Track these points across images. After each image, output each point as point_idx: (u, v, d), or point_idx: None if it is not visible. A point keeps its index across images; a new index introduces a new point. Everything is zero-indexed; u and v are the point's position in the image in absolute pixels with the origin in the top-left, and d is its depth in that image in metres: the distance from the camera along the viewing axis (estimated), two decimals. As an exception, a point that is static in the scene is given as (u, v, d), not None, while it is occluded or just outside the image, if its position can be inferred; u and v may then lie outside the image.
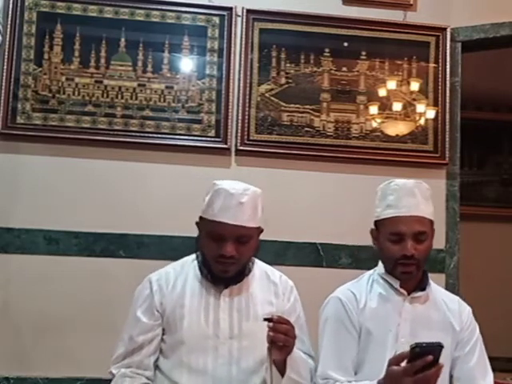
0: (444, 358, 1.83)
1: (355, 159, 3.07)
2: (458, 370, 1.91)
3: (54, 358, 2.81)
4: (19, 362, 2.80)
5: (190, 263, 2.01)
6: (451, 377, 1.92)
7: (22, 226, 2.85)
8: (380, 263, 2.01)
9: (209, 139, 2.99)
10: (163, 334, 1.92)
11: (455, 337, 1.92)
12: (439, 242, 3.11)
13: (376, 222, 1.98)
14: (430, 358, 1.59)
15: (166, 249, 2.85)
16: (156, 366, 1.92)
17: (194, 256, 2.02)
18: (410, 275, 1.90)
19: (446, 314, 1.95)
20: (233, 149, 3.01)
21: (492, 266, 4.85)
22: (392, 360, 1.67)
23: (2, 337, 2.79)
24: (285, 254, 2.99)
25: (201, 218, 1.94)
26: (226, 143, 2.99)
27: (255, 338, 1.78)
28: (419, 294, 1.94)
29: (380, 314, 1.92)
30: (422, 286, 1.95)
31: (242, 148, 3.01)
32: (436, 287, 2.03)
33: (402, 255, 1.87)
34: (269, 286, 2.00)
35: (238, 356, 1.87)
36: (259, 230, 1.97)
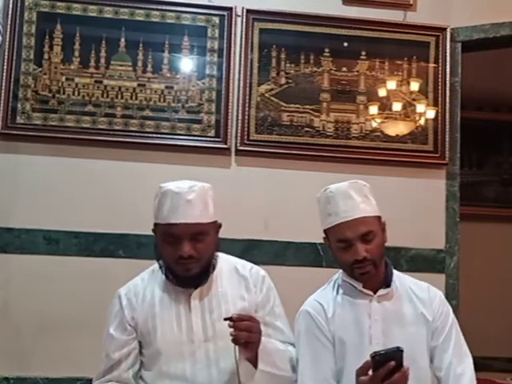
0: (422, 349, 1.85)
1: (355, 159, 3.07)
2: (438, 359, 1.90)
3: (54, 358, 2.81)
4: (19, 362, 2.81)
5: (157, 272, 1.98)
6: (432, 366, 1.91)
7: (22, 226, 2.85)
8: (341, 269, 2.00)
9: (209, 139, 2.99)
10: (141, 347, 1.92)
11: (429, 327, 1.90)
12: (439, 242, 3.12)
13: (324, 231, 1.97)
14: (393, 363, 1.61)
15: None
16: (140, 378, 1.92)
17: (158, 264, 1.99)
18: (369, 275, 1.88)
19: (416, 305, 1.92)
20: (233, 149, 3.01)
21: (492, 266, 4.85)
22: (358, 371, 1.68)
23: (2, 337, 2.79)
24: (285, 254, 2.99)
25: (154, 224, 1.91)
26: (225, 143, 2.99)
27: (230, 338, 1.75)
28: (385, 291, 1.91)
29: (350, 320, 1.90)
30: (386, 282, 1.93)
31: (241, 148, 3.01)
32: (402, 277, 1.99)
33: (354, 260, 1.86)
34: (239, 281, 1.97)
35: (216, 358, 1.86)
36: (216, 225, 1.93)
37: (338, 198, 1.91)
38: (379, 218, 1.93)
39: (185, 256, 1.82)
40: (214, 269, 1.93)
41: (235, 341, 1.73)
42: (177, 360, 1.86)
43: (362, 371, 1.66)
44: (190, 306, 1.90)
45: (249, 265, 2.03)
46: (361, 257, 1.84)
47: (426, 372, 1.88)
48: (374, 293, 1.91)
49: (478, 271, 4.54)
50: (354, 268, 1.87)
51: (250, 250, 2.92)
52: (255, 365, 1.79)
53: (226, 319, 1.73)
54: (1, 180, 2.87)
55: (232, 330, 1.72)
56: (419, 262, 3.04)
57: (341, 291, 1.96)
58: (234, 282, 1.97)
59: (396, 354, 1.62)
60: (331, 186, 1.96)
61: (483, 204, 5.10)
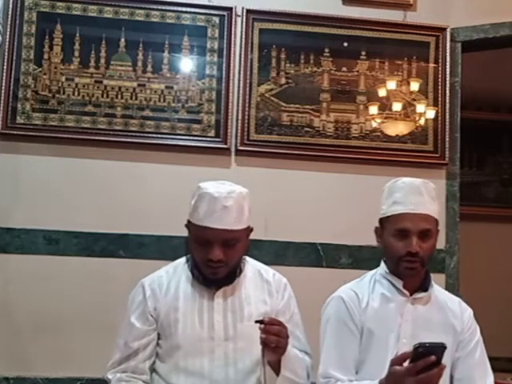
0: (445, 359, 1.83)
1: (355, 159, 3.07)
2: (459, 371, 1.91)
3: (54, 358, 2.81)
4: (19, 362, 2.81)
5: (182, 266, 1.99)
6: (452, 377, 1.92)
7: (21, 226, 2.85)
8: (382, 263, 2.01)
9: (209, 139, 2.99)
10: (159, 339, 1.92)
11: (456, 338, 1.92)
12: (439, 242, 3.06)
13: (381, 220, 1.98)
14: (433, 358, 1.59)
15: (166, 249, 2.85)
16: (153, 370, 1.92)
17: (185, 259, 2.01)
18: (413, 271, 1.90)
19: (447, 315, 1.95)
20: (233, 149, 3.02)
21: (492, 266, 4.85)
22: (394, 360, 1.67)
23: (2, 337, 2.79)
24: (285, 254, 3.00)
25: (188, 221, 1.93)
26: (225, 143, 2.99)
27: (250, 339, 1.77)
28: (421, 294, 1.94)
29: (382, 315, 1.92)
30: (424, 286, 1.95)
31: (241, 148, 3.01)
32: (437, 288, 2.03)
33: (407, 252, 1.87)
34: (262, 285, 1.99)
35: (234, 357, 1.87)
36: (248, 230, 1.95)
37: (409, 190, 1.94)
38: (437, 223, 1.97)
39: (214, 260, 1.83)
40: (240, 272, 1.95)
41: (264, 344, 1.73)
42: (195, 356, 1.86)
43: (398, 361, 1.65)
44: (213, 303, 1.91)
45: (271, 270, 2.06)
46: (415, 250, 1.86)
47: (446, 380, 1.88)
48: (410, 295, 1.92)
49: (477, 271, 4.54)
50: (402, 261, 1.88)
51: (250, 250, 2.90)
52: (276, 369, 1.81)
53: (257, 321, 1.73)
54: (1, 180, 2.87)
55: (256, 332, 1.72)
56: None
57: (377, 286, 1.97)
58: (258, 285, 1.98)
59: (439, 349, 1.60)
60: (404, 178, 1.99)
61: (483, 204, 5.10)
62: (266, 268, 2.06)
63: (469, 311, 2.00)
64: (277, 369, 1.81)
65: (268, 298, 1.97)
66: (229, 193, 1.87)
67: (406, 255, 1.87)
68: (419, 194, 1.93)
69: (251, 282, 1.98)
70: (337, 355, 1.89)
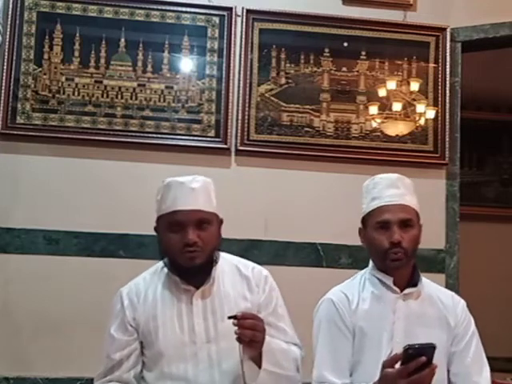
0: (440, 354, 1.84)
1: (355, 159, 3.07)
2: (455, 365, 1.91)
3: (54, 358, 2.81)
4: (19, 362, 2.81)
5: (159, 271, 1.98)
6: (448, 372, 1.92)
7: (21, 226, 2.85)
8: (371, 262, 2.01)
9: (209, 139, 3.00)
10: (142, 348, 1.91)
11: (451, 332, 1.92)
12: (439, 241, 3.12)
13: (363, 219, 1.99)
14: (424, 359, 1.59)
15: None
16: (142, 378, 1.91)
17: (162, 264, 1.99)
18: (399, 263, 1.89)
19: (440, 309, 1.94)
20: (233, 149, 3.02)
21: (492, 266, 4.85)
22: (386, 362, 1.67)
23: (2, 337, 2.79)
24: (285, 254, 2.99)
25: (157, 219, 1.93)
26: (225, 143, 2.99)
27: (233, 338, 1.73)
28: (412, 290, 1.93)
29: (373, 314, 1.91)
30: (413, 281, 1.94)
31: (241, 148, 3.01)
32: (428, 282, 2.01)
33: (390, 243, 1.87)
34: (241, 281, 1.96)
35: (218, 359, 1.85)
36: (218, 220, 1.94)
37: (384, 184, 1.96)
38: (418, 215, 1.96)
39: (190, 243, 1.83)
40: (216, 263, 1.93)
41: (239, 339, 1.72)
42: (179, 361, 1.85)
43: (389, 363, 1.66)
44: (192, 306, 1.89)
45: (251, 264, 2.02)
46: (396, 240, 1.86)
47: (442, 377, 1.88)
48: (401, 291, 1.92)
49: (477, 271, 4.54)
50: (387, 253, 1.88)
51: (250, 249, 2.92)
52: (259, 364, 1.78)
53: (230, 317, 1.72)
54: (1, 180, 2.87)
55: (236, 328, 1.71)
56: (419, 262, 2.98)
57: (367, 285, 1.97)
58: (237, 281, 1.96)
59: (429, 350, 1.61)
60: (379, 175, 2.01)
61: (483, 204, 5.10)
62: (244, 262, 2.03)
63: (462, 304, 1.98)
64: (259, 363, 1.78)
65: (248, 294, 1.93)
66: (193, 178, 1.92)
67: (389, 247, 1.88)
68: (396, 187, 1.95)
69: (229, 279, 1.95)
70: (330, 358, 1.89)
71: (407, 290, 1.93)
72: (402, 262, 1.90)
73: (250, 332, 1.71)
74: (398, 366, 1.63)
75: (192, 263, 1.86)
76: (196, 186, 1.89)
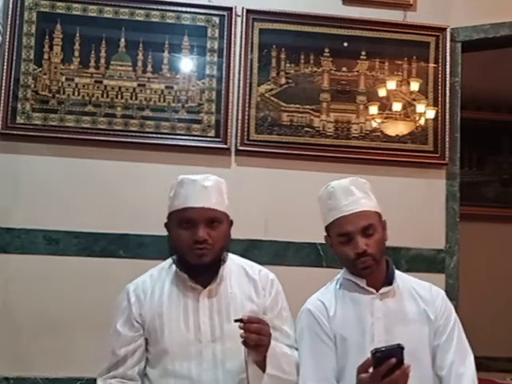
0: (424, 348, 1.84)
1: (355, 159, 3.07)
2: (439, 358, 1.90)
3: (53, 358, 2.81)
4: (19, 362, 2.80)
5: (166, 269, 1.99)
6: (434, 365, 1.91)
7: (22, 226, 2.85)
8: (344, 267, 2.00)
9: (209, 139, 3.00)
10: (147, 344, 1.92)
11: (432, 326, 1.91)
12: (439, 242, 3.12)
13: (326, 229, 1.98)
14: (393, 360, 1.61)
15: (166, 249, 2.82)
16: (144, 375, 1.92)
17: (170, 261, 2.00)
18: (369, 270, 1.89)
19: (418, 303, 1.93)
20: (233, 149, 3.02)
21: (492, 266, 4.85)
22: (359, 368, 1.68)
23: (2, 337, 2.79)
24: (285, 254, 3.00)
25: (169, 215, 1.95)
26: (225, 143, 2.99)
27: (238, 339, 1.74)
28: (387, 288, 1.92)
29: (352, 318, 1.90)
30: (388, 280, 1.94)
31: (241, 148, 3.01)
32: (404, 277, 2.00)
33: (355, 254, 1.86)
34: (248, 283, 1.97)
35: (222, 358, 1.86)
36: (229, 220, 1.96)
37: (338, 193, 1.94)
38: (379, 214, 1.94)
39: (200, 240, 1.84)
40: (224, 262, 1.94)
41: (245, 343, 1.72)
42: (183, 359, 1.86)
43: (362, 368, 1.66)
44: (198, 305, 1.90)
45: (257, 267, 2.04)
46: (361, 250, 1.85)
47: (428, 370, 1.88)
48: (377, 291, 1.91)
49: (477, 271, 4.54)
50: (355, 263, 1.88)
51: (250, 249, 2.92)
52: (263, 368, 1.79)
53: (236, 321, 1.72)
54: (1, 180, 2.87)
55: (242, 331, 1.71)
56: (419, 262, 3.05)
57: (343, 289, 1.96)
58: (243, 283, 1.97)
59: (397, 350, 1.62)
60: (332, 183, 1.99)
61: (483, 204, 5.10)
62: (251, 264, 2.04)
63: (441, 295, 1.97)
64: (263, 367, 1.79)
65: (255, 296, 1.95)
66: (206, 176, 1.94)
67: (355, 257, 1.87)
68: (350, 194, 1.92)
69: (236, 281, 1.96)
70: (313, 368, 1.88)
71: (383, 290, 1.92)
72: (373, 268, 1.89)
73: (256, 336, 1.72)
74: (371, 370, 1.64)
75: (200, 261, 1.87)
76: (209, 185, 1.91)
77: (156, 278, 1.98)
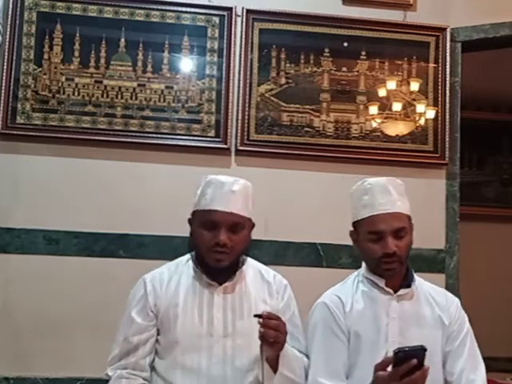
0: (436, 353, 1.84)
1: (355, 159, 3.07)
2: (450, 363, 1.91)
3: (53, 358, 2.81)
4: (19, 362, 2.80)
5: (184, 263, 2.02)
6: (444, 370, 1.91)
7: (21, 226, 2.85)
8: (364, 264, 2.00)
9: (209, 139, 2.99)
10: (158, 335, 1.93)
11: (445, 331, 1.92)
12: (439, 242, 3.12)
13: (354, 224, 1.97)
14: (415, 361, 1.60)
15: (166, 249, 2.85)
16: (152, 367, 1.92)
17: (188, 256, 2.03)
18: (393, 271, 1.90)
19: (434, 308, 1.94)
20: (233, 149, 3.01)
21: (492, 266, 4.85)
22: (378, 366, 1.68)
23: (2, 337, 2.79)
24: (285, 254, 3.00)
25: (193, 212, 1.96)
26: (225, 143, 2.99)
27: (249, 337, 1.77)
28: (405, 291, 1.93)
29: (367, 316, 1.91)
30: (407, 282, 1.94)
31: (241, 148, 3.01)
32: (422, 282, 2.01)
33: (384, 253, 1.87)
34: (263, 285, 2.00)
35: (233, 354, 1.87)
36: (251, 224, 1.98)
37: (376, 190, 1.93)
38: (410, 218, 1.95)
39: (221, 243, 1.85)
40: (242, 265, 1.96)
41: (263, 338, 1.73)
42: (193, 352, 1.87)
43: (381, 366, 1.66)
44: (213, 299, 1.92)
45: (272, 272, 2.07)
46: (391, 250, 1.86)
47: (439, 374, 1.89)
48: (395, 292, 1.92)
49: (478, 271, 4.54)
50: (380, 262, 1.88)
51: (251, 249, 2.90)
52: (274, 367, 1.80)
53: (255, 316, 1.74)
54: (1, 180, 2.87)
55: (256, 328, 1.73)
56: (419, 262, 3.04)
57: (361, 287, 1.97)
58: (258, 285, 1.99)
59: (419, 352, 1.62)
60: (369, 179, 1.98)
61: (483, 204, 5.10)
62: (267, 269, 2.08)
63: (456, 302, 1.98)
64: (275, 366, 1.81)
65: (268, 298, 1.97)
66: (235, 180, 1.96)
67: (383, 256, 1.87)
68: (387, 194, 1.92)
69: (252, 281, 1.99)
70: (325, 362, 1.89)
71: (401, 291, 1.92)
72: (396, 270, 1.90)
73: (274, 332, 1.73)
74: (389, 369, 1.64)
75: (218, 265, 1.90)
76: (236, 189, 1.92)
77: (173, 271, 2.00)
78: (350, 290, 1.98)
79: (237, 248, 1.90)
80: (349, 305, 1.93)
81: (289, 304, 2.01)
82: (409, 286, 1.94)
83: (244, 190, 1.95)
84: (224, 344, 1.87)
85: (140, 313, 1.93)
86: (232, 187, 1.92)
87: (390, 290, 1.92)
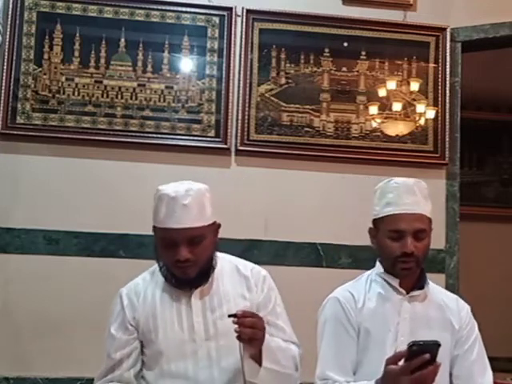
0: (443, 356, 1.83)
1: (355, 159, 3.07)
2: (458, 368, 1.91)
3: (53, 358, 2.81)
4: (19, 362, 2.81)
5: (157, 272, 1.98)
6: (451, 375, 1.92)
7: (22, 226, 2.85)
8: (378, 263, 2.01)
9: (209, 139, 3.00)
10: (142, 347, 1.92)
11: (454, 335, 1.92)
12: (439, 242, 3.12)
13: (374, 221, 1.98)
14: (427, 356, 1.58)
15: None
16: (142, 378, 1.92)
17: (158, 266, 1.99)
18: (409, 271, 1.90)
19: (444, 312, 1.95)
20: (233, 149, 3.02)
21: (492, 266, 4.85)
22: (389, 359, 1.67)
23: (2, 337, 2.79)
24: (285, 254, 2.99)
25: (153, 227, 1.92)
26: (225, 143, 2.99)
27: (232, 336, 1.74)
28: (418, 292, 1.94)
29: (379, 314, 1.92)
30: (420, 284, 1.95)
31: (241, 148, 3.01)
32: (434, 286, 2.03)
33: (402, 253, 1.87)
34: (240, 281, 1.97)
35: (218, 356, 1.86)
36: (214, 226, 1.93)
37: (402, 190, 1.94)
38: (431, 221, 1.96)
39: (182, 260, 1.83)
40: (213, 270, 1.94)
41: (240, 338, 1.72)
42: (178, 359, 1.86)
43: (393, 360, 1.65)
44: (191, 304, 1.90)
45: (250, 265, 2.03)
46: (410, 250, 1.86)
47: (446, 377, 1.88)
48: (407, 293, 1.93)
49: (477, 271, 4.54)
50: (397, 261, 1.88)
51: (250, 249, 2.92)
52: (259, 362, 1.79)
53: (230, 316, 1.72)
54: (1, 180, 2.87)
55: (236, 326, 1.72)
56: (419, 262, 3.05)
57: (374, 286, 1.97)
58: (236, 281, 1.97)
59: (433, 347, 1.60)
60: (396, 178, 1.98)
61: (483, 204, 5.10)
62: (244, 263, 2.03)
63: (466, 308, 2.00)
64: (259, 361, 1.79)
65: (247, 293, 1.94)
66: (186, 191, 1.86)
67: (401, 256, 1.87)
68: (413, 194, 1.93)
69: (228, 278, 1.96)
70: (334, 357, 1.89)
71: (413, 293, 1.93)
72: (412, 271, 1.90)
73: (250, 330, 1.72)
74: (401, 363, 1.63)
75: (185, 276, 1.87)
76: (188, 202, 1.84)
77: (149, 281, 1.98)
78: (363, 287, 1.99)
79: (201, 258, 1.87)
80: (361, 301, 1.94)
81: (269, 295, 1.97)
82: (421, 287, 1.94)
83: (197, 198, 1.87)
84: (208, 347, 1.86)
85: (119, 328, 1.91)
86: (183, 201, 1.84)
87: (403, 291, 1.93)
